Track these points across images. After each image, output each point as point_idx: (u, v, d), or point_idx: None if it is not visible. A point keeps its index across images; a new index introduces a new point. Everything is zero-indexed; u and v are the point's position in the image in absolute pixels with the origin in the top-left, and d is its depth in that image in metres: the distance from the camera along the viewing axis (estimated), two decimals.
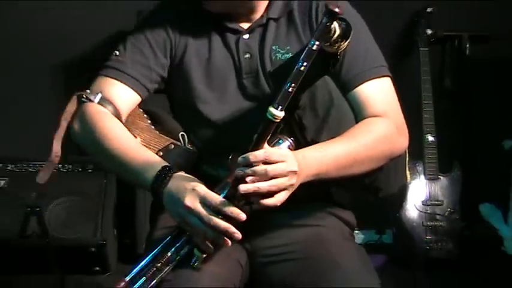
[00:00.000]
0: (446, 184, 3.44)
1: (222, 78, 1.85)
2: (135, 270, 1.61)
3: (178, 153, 1.85)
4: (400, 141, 1.82)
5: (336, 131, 1.74)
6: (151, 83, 1.87)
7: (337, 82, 1.80)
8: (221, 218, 1.56)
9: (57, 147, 1.82)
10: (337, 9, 1.55)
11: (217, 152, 1.75)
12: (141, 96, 1.86)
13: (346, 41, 1.71)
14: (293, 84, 1.54)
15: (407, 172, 2.05)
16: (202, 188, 1.59)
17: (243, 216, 1.56)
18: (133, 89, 1.84)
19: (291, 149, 1.66)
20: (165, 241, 1.64)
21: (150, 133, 1.88)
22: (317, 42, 1.55)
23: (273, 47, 1.83)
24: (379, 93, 1.82)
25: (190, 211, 1.57)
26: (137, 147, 1.77)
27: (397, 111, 1.84)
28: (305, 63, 1.54)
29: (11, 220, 3.07)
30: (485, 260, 3.40)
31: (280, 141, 1.67)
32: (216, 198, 1.57)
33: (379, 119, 1.78)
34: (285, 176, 1.56)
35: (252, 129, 1.57)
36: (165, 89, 1.94)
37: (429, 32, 3.53)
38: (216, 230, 1.56)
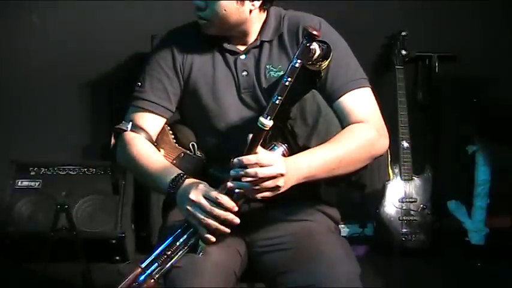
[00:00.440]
0: (419, 184, 3.42)
1: (225, 92, 1.84)
2: (149, 259, 1.61)
3: (187, 160, 1.85)
4: (381, 142, 1.79)
5: (324, 137, 1.73)
6: (171, 104, 1.87)
7: (323, 94, 1.79)
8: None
9: None
10: (314, 32, 1.54)
11: (221, 157, 1.74)
12: (164, 117, 1.87)
13: (326, 60, 1.71)
14: (280, 97, 1.54)
15: (390, 170, 2.02)
16: (204, 186, 1.63)
17: (235, 207, 1.59)
18: (156, 113, 1.85)
19: (285, 154, 1.66)
20: (175, 233, 1.65)
21: (170, 145, 1.88)
22: (299, 61, 1.54)
23: (267, 66, 1.82)
24: (360, 102, 1.79)
25: (195, 203, 1.60)
26: (158, 160, 1.79)
27: (378, 116, 1.81)
28: (289, 79, 1.54)
29: (44, 216, 3.07)
30: (452, 249, 3.42)
31: (275, 147, 1.67)
32: (216, 192, 1.60)
33: (362, 124, 1.76)
34: (274, 177, 1.56)
35: None
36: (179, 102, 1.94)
37: (403, 52, 3.52)
38: (217, 218, 1.59)
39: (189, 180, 1.67)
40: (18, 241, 3.12)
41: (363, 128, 1.75)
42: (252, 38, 1.85)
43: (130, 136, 1.82)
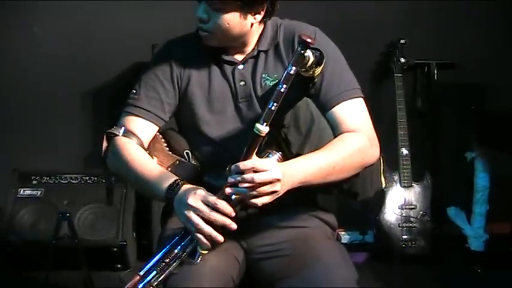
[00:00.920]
0: (419, 191, 3.43)
1: (221, 102, 1.86)
2: (147, 266, 1.63)
3: (183, 168, 1.86)
4: (372, 151, 1.81)
5: (316, 145, 1.75)
6: (165, 113, 1.89)
7: (316, 103, 1.81)
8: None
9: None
10: (308, 40, 1.58)
11: (216, 165, 1.76)
12: (157, 125, 1.88)
13: (320, 67, 1.73)
14: (275, 104, 1.57)
15: (383, 179, 2.03)
16: (202, 191, 1.64)
17: (233, 213, 1.61)
18: (149, 121, 1.86)
19: (279, 161, 1.68)
20: (173, 241, 1.66)
21: (164, 153, 1.89)
22: (294, 68, 1.57)
23: (263, 75, 1.85)
24: (352, 112, 1.82)
25: (193, 209, 1.61)
26: (153, 167, 1.79)
27: (369, 126, 1.84)
28: (284, 86, 1.57)
29: (46, 225, 3.09)
30: (452, 255, 3.42)
31: (270, 154, 1.69)
32: (214, 198, 1.61)
33: (354, 133, 1.78)
34: (270, 182, 1.58)
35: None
36: (173, 113, 1.95)
37: (402, 60, 3.53)
38: (215, 223, 1.60)
39: (186, 186, 1.68)
40: (20, 249, 3.13)
41: (355, 137, 1.78)
42: (250, 48, 1.87)
43: (122, 141, 1.82)
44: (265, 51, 1.87)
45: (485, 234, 3.34)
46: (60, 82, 3.58)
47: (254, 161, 1.59)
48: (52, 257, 2.83)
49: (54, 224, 2.86)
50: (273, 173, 1.58)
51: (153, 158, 1.85)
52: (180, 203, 1.65)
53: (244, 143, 1.62)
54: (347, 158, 1.74)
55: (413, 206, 3.41)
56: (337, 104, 1.81)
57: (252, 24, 1.80)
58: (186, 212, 1.63)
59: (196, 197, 1.62)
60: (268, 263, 1.79)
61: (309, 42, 1.58)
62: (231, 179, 1.59)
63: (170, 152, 1.90)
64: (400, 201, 3.41)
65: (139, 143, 1.83)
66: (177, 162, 1.87)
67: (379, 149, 1.84)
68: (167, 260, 1.63)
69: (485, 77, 3.70)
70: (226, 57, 1.87)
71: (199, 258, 1.65)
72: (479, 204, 3.35)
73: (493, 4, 3.65)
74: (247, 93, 1.85)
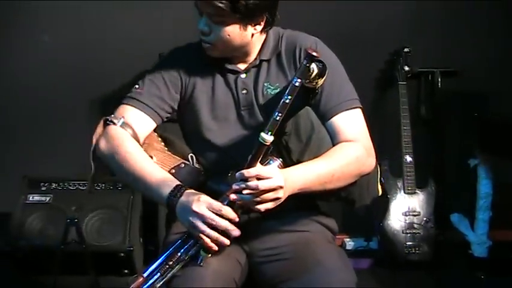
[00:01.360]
0: (423, 197, 3.43)
1: (224, 110, 1.90)
2: (151, 268, 1.67)
3: (188, 171, 1.89)
4: (369, 161, 1.86)
5: (316, 153, 1.79)
6: (163, 112, 1.91)
7: (316, 113, 1.85)
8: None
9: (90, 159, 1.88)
10: (314, 54, 1.64)
11: (219, 170, 1.80)
12: (155, 122, 1.90)
13: (322, 78, 1.78)
14: (280, 114, 1.61)
15: (379, 187, 2.07)
16: (206, 198, 1.67)
17: (237, 218, 1.65)
18: (149, 116, 1.88)
19: (280, 168, 1.72)
20: (176, 244, 1.71)
21: (164, 154, 1.92)
22: (299, 80, 1.63)
23: (265, 84, 1.89)
24: (350, 122, 1.86)
25: (197, 215, 1.65)
26: (152, 166, 1.80)
27: (366, 136, 1.88)
28: (289, 97, 1.62)
29: (54, 230, 3.09)
30: (456, 261, 3.43)
31: (271, 161, 1.73)
32: (219, 204, 1.65)
33: (351, 143, 1.82)
34: (273, 190, 1.62)
35: (249, 152, 1.65)
36: (178, 119, 2.00)
37: (406, 68, 3.52)
38: (218, 228, 1.64)
39: (188, 192, 1.71)
40: (29, 254, 3.15)
41: (352, 146, 1.82)
42: (252, 57, 1.92)
43: (118, 131, 1.83)
44: (267, 61, 1.91)
45: (488, 241, 3.35)
46: (69, 90, 3.59)
47: (258, 169, 1.63)
48: (60, 262, 2.86)
49: (63, 230, 2.89)
50: (276, 181, 1.62)
51: (152, 157, 1.87)
52: (184, 209, 1.68)
53: (246, 149, 1.66)
54: (345, 167, 1.78)
55: (417, 213, 3.41)
56: (336, 114, 1.86)
57: (252, 35, 1.84)
58: (191, 218, 1.66)
59: (201, 203, 1.66)
60: (270, 266, 1.83)
61: (314, 56, 1.64)
62: (235, 186, 1.63)
63: (171, 153, 1.93)
64: (404, 207, 3.41)
65: (134, 136, 1.84)
66: (182, 164, 1.90)
67: (375, 158, 1.89)
68: (170, 263, 1.67)
69: (488, 85, 3.69)
70: (229, 67, 1.91)
71: (202, 261, 1.69)
72: (482, 211, 3.35)
73: (496, 13, 3.66)
74: (249, 101, 1.89)
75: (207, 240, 1.66)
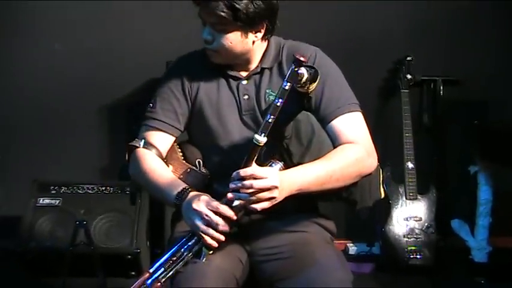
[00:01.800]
0: (424, 203, 3.46)
1: (228, 114, 1.98)
2: (157, 264, 1.76)
3: (194, 175, 1.98)
4: (369, 162, 1.89)
5: (316, 156, 1.84)
6: (179, 124, 2.01)
7: (317, 118, 1.91)
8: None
9: None
10: (302, 58, 1.69)
11: (224, 173, 1.84)
12: (173, 136, 2.01)
13: (314, 83, 1.84)
14: (272, 116, 1.68)
15: (382, 189, 2.12)
16: (206, 197, 1.76)
17: (234, 216, 1.73)
18: (166, 132, 1.99)
19: (282, 170, 1.78)
20: (180, 242, 1.79)
21: (179, 162, 2.01)
22: (288, 84, 1.69)
23: (267, 91, 1.96)
24: (350, 124, 1.91)
25: (196, 212, 1.74)
26: (167, 176, 1.92)
27: (367, 138, 1.92)
28: (280, 100, 1.69)
29: (64, 232, 3.13)
30: (457, 267, 3.46)
31: (273, 164, 1.80)
32: (217, 203, 1.73)
33: (352, 145, 1.87)
34: (268, 189, 1.69)
35: None
36: (187, 123, 2.07)
37: (409, 76, 3.56)
38: (211, 224, 1.72)
39: (193, 193, 1.81)
40: (39, 256, 3.18)
41: (352, 148, 1.87)
42: (253, 65, 1.99)
43: (142, 152, 1.96)
44: (270, 69, 1.98)
45: (489, 246, 3.37)
46: (78, 96, 3.67)
47: (254, 169, 1.70)
48: (69, 264, 2.91)
49: (72, 232, 2.94)
50: (271, 180, 1.69)
51: (168, 166, 1.98)
52: (187, 208, 1.78)
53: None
54: (344, 168, 1.82)
55: (418, 218, 3.44)
56: (335, 118, 1.90)
57: (253, 42, 1.92)
58: (191, 216, 1.75)
59: (201, 202, 1.75)
60: (269, 265, 1.89)
61: (301, 61, 1.69)
62: (232, 185, 1.71)
63: (184, 161, 2.02)
64: (405, 213, 3.44)
65: (158, 154, 1.96)
66: (188, 170, 1.99)
67: (376, 159, 1.92)
68: (174, 259, 1.75)
69: (489, 93, 3.74)
70: (232, 73, 1.98)
71: (205, 258, 1.77)
72: (482, 217, 3.38)
73: (497, 22, 3.72)
74: (250, 106, 1.96)
75: (206, 237, 1.74)
